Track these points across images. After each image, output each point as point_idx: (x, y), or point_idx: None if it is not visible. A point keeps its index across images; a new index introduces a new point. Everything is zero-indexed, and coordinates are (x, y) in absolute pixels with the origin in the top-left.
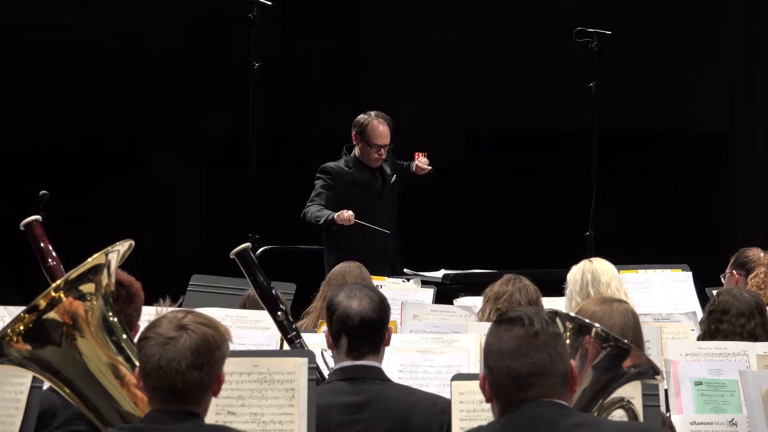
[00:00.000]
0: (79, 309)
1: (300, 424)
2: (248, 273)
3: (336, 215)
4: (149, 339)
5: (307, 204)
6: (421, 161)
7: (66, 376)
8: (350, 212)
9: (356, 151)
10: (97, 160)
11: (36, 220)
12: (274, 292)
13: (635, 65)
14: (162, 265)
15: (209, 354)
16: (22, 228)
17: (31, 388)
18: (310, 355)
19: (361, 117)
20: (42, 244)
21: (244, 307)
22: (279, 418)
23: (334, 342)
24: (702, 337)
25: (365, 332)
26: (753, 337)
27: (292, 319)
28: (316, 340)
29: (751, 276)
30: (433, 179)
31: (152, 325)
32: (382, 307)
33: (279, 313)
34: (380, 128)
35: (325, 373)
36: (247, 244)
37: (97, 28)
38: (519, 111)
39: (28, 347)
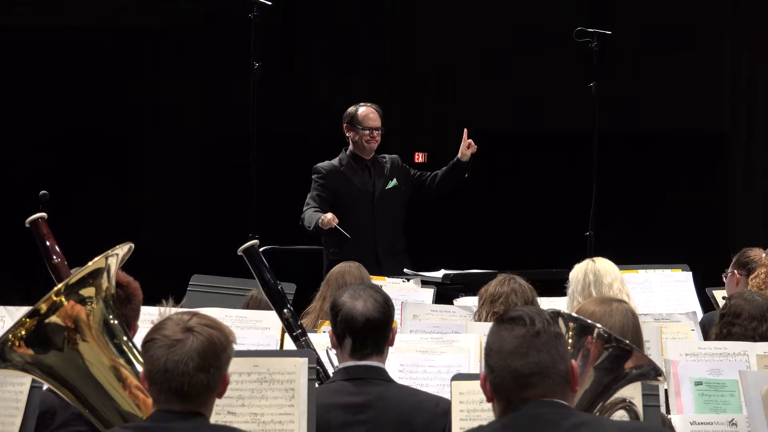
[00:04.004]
0: (81, 313)
1: (300, 424)
2: (255, 270)
3: (320, 222)
4: (155, 341)
5: (304, 209)
6: (467, 148)
7: (69, 381)
8: (330, 215)
9: (350, 145)
10: (97, 160)
11: (41, 218)
12: (280, 289)
13: (635, 65)
14: (162, 265)
15: (215, 356)
16: (27, 225)
17: (31, 388)
18: (310, 355)
19: (350, 108)
20: (47, 242)
21: (247, 307)
22: (279, 418)
23: (338, 342)
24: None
25: (369, 333)
26: (766, 340)
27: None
28: (316, 340)
29: (752, 276)
30: (451, 187)
31: (157, 327)
32: (386, 308)
33: (285, 310)
34: (370, 113)
35: (331, 371)
36: (255, 241)
37: (97, 28)
38: (519, 111)
39: (31, 352)
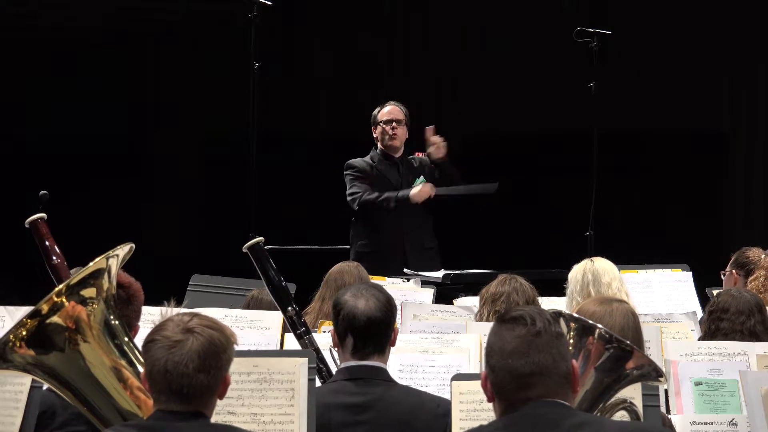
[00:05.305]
0: (82, 313)
1: (300, 424)
2: (260, 268)
3: (412, 194)
4: (156, 342)
5: (353, 195)
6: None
7: (70, 382)
8: (428, 185)
9: (378, 144)
10: (98, 160)
11: (41, 218)
12: (285, 287)
13: (635, 65)
14: (162, 265)
15: (216, 357)
16: (27, 225)
17: (31, 388)
18: (310, 355)
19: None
20: (47, 242)
21: (247, 307)
22: (279, 418)
23: (339, 341)
24: (703, 338)
25: (371, 332)
26: (753, 334)
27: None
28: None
29: (750, 278)
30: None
31: (158, 328)
32: (388, 308)
33: (290, 308)
34: (388, 107)
35: (334, 370)
36: (260, 239)
37: (97, 28)
38: (519, 111)
39: (32, 353)
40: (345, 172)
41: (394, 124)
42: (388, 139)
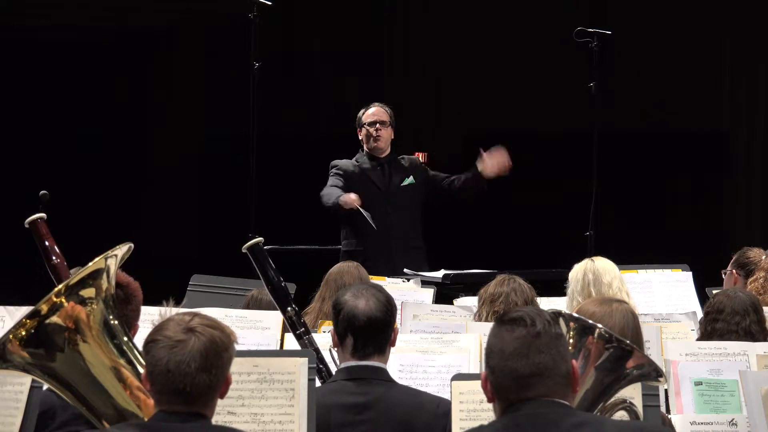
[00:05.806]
0: (81, 313)
1: (300, 424)
2: (260, 268)
3: (341, 199)
4: (157, 342)
5: (322, 192)
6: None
7: (70, 382)
8: (354, 196)
9: (364, 146)
10: (98, 160)
11: (41, 218)
12: (284, 287)
13: (635, 65)
14: (162, 265)
15: (217, 356)
16: (26, 225)
17: (31, 388)
18: (310, 355)
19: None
20: (46, 242)
21: (247, 307)
22: (279, 418)
23: (339, 341)
24: (700, 339)
25: (371, 332)
26: (749, 335)
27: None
28: (316, 341)
29: (750, 279)
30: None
31: (159, 328)
32: (388, 308)
33: (289, 309)
34: (372, 108)
35: (334, 370)
36: (260, 239)
37: (97, 28)
38: (519, 111)
39: (32, 353)
40: (329, 171)
41: (378, 125)
42: (373, 140)
